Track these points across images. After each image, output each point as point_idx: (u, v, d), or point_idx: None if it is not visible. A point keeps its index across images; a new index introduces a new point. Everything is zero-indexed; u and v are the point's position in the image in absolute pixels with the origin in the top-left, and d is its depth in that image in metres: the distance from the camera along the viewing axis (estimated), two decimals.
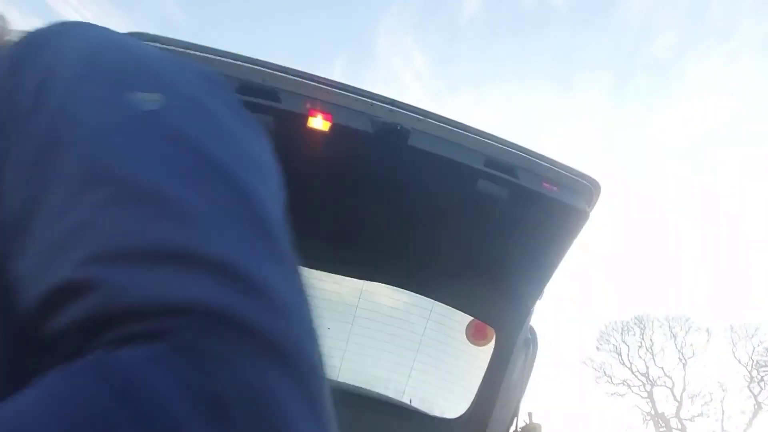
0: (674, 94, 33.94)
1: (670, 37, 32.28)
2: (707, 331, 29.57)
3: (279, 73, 1.90)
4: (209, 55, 1.85)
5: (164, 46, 1.82)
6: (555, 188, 2.15)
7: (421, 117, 2.03)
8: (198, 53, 1.84)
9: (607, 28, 33.87)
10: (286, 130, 1.94)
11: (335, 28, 36.62)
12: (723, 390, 29.02)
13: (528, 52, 35.96)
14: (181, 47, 1.84)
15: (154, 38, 1.83)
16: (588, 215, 2.25)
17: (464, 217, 2.29)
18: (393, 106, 2.01)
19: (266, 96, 1.88)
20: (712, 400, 29.13)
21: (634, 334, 31.01)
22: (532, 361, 2.77)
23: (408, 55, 34.66)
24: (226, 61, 1.86)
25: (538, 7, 33.17)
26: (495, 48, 36.51)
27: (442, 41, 36.15)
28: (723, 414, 28.67)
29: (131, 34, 1.82)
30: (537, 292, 2.55)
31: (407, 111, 2.02)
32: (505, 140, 2.15)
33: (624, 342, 31.22)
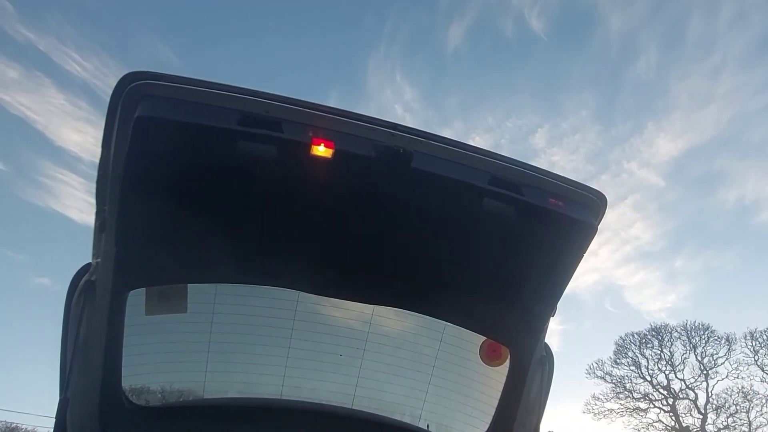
0: (659, 111, 34.58)
1: (651, 57, 33.03)
2: (727, 339, 28.96)
3: (281, 104, 1.93)
4: (212, 90, 1.89)
5: (167, 83, 1.86)
6: (561, 203, 2.15)
7: (422, 139, 2.04)
8: (201, 89, 1.88)
9: (588, 52, 34.76)
10: (291, 160, 1.96)
11: (326, 67, 37.63)
12: (748, 400, 28.27)
13: (513, 79, 36.88)
14: (184, 83, 1.88)
15: (159, 76, 1.87)
16: (596, 228, 2.23)
17: (471, 237, 2.28)
18: (395, 129, 2.02)
19: (269, 127, 1.90)
20: (737, 411, 28.37)
21: (652, 347, 30.42)
22: (550, 378, 2.72)
23: (398, 89, 35.48)
24: (229, 95, 1.89)
25: (520, 36, 34.15)
26: (481, 78, 37.49)
27: (430, 74, 37.15)
28: (750, 425, 27.87)
29: (134, 74, 1.86)
30: (549, 309, 2.51)
31: (409, 134, 2.04)
32: (509, 158, 2.15)
33: (642, 355, 30.62)
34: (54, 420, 2.13)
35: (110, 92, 1.87)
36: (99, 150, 2.00)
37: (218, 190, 2.10)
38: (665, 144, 33.80)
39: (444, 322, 2.68)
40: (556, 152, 34.84)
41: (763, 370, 28.03)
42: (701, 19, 32.32)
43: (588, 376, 31.29)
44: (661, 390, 30.16)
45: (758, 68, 33.15)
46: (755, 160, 35.18)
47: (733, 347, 28.75)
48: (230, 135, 1.88)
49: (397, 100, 35.04)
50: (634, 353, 30.70)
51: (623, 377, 30.72)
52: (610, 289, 41.26)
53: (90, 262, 2.26)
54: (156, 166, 1.97)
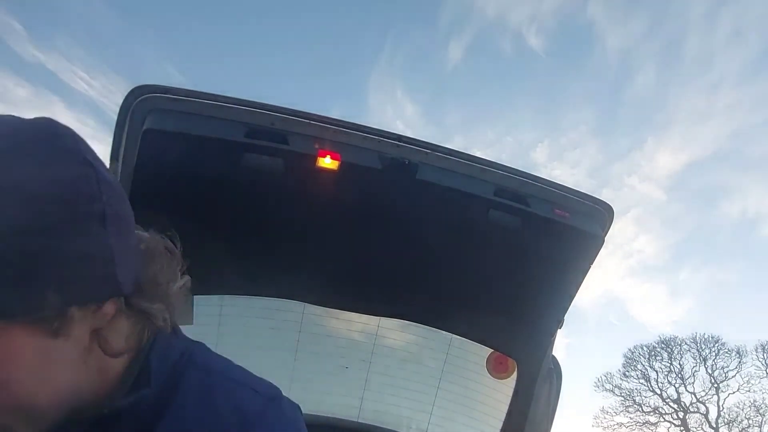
0: (658, 126, 34.69)
1: (650, 73, 33.25)
2: (738, 352, 28.58)
3: (287, 116, 1.94)
4: (219, 103, 1.91)
5: (175, 96, 1.88)
6: (567, 214, 2.14)
7: (428, 150, 2.05)
8: (208, 102, 1.90)
9: (586, 69, 35.05)
10: (297, 171, 1.97)
11: (327, 85, 38.04)
12: (760, 414, 27.80)
13: (513, 95, 37.23)
14: (191, 96, 1.90)
15: (166, 89, 1.89)
16: (602, 240, 2.22)
17: (477, 248, 2.28)
18: (400, 141, 2.03)
19: (275, 139, 1.92)
20: (749, 425, 27.90)
21: (662, 359, 30.05)
22: (557, 392, 2.69)
23: (399, 106, 35.85)
24: (236, 108, 1.91)
25: (518, 53, 34.50)
26: (481, 94, 37.86)
27: (430, 91, 37.58)
28: None
29: (142, 88, 1.88)
30: (556, 320, 2.50)
31: (414, 145, 2.04)
32: (514, 169, 2.15)
33: (652, 367, 30.24)
34: None
35: (117, 110, 1.90)
36: (107, 164, 2.02)
37: (225, 202, 2.11)
38: (666, 158, 33.92)
39: (450, 334, 2.67)
40: (557, 166, 35.00)
41: None
42: (698, 36, 32.63)
43: (597, 389, 30.95)
44: (671, 403, 29.75)
45: (757, 84, 33.33)
46: (757, 174, 35.24)
47: (744, 360, 28.37)
48: (237, 147, 1.90)
49: (398, 116, 35.42)
50: (644, 366, 30.35)
51: (632, 390, 30.34)
52: (614, 302, 41.10)
53: None
54: (164, 179, 1.99)
